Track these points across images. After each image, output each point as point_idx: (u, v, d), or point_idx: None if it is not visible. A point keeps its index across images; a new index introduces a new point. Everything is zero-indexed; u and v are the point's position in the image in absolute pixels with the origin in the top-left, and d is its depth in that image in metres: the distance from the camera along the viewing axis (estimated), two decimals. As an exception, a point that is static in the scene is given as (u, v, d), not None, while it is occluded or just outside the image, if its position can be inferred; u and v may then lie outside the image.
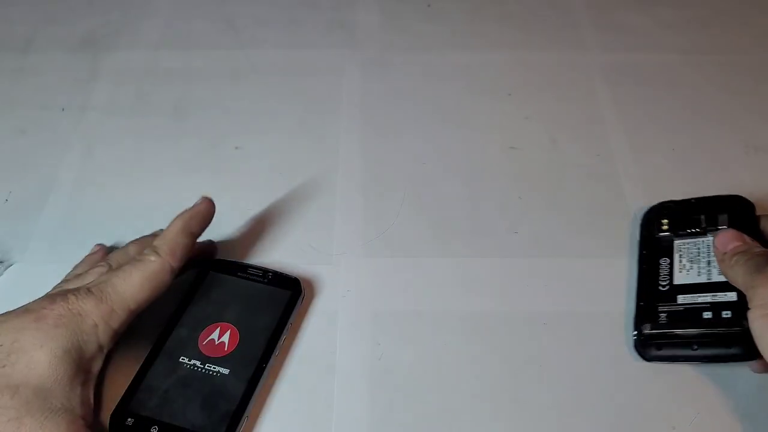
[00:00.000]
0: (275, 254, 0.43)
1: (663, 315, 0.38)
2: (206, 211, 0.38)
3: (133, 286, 0.33)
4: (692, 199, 0.42)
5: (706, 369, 0.38)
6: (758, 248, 0.36)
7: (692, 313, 0.37)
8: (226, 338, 0.36)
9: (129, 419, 0.33)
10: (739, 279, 0.35)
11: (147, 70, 0.55)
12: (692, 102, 0.52)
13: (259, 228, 0.44)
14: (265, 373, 0.36)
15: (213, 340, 0.36)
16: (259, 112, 0.52)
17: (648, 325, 0.38)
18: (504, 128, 0.51)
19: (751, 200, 0.45)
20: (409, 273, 0.42)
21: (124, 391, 0.34)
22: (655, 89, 0.53)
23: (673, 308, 0.38)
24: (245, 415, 0.34)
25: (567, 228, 0.45)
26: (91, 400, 0.32)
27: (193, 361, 0.35)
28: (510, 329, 0.40)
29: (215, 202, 0.38)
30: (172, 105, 0.52)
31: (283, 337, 0.37)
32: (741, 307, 0.35)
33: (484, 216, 0.45)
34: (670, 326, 0.37)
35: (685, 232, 0.41)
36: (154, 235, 0.40)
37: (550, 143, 0.50)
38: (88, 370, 0.31)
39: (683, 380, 0.37)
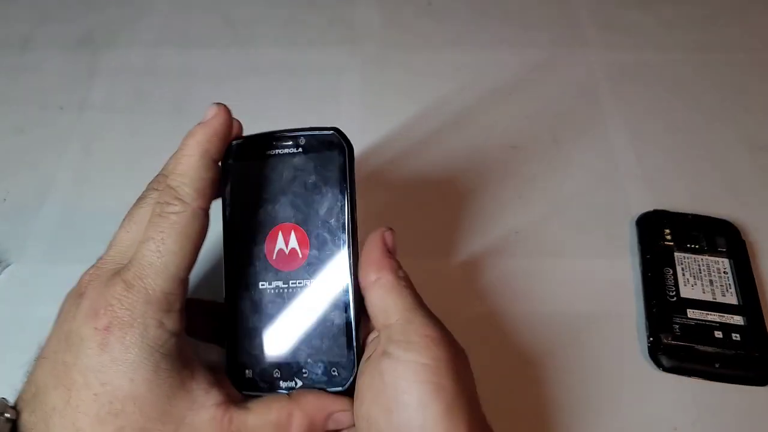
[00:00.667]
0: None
1: (677, 326, 0.38)
2: (223, 127, 0.30)
3: (172, 254, 0.27)
4: (689, 214, 0.44)
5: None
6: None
7: (704, 330, 0.38)
8: (294, 243, 0.30)
9: (246, 371, 0.29)
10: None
11: (145, 68, 0.55)
12: (695, 101, 0.52)
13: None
14: (356, 270, 0.29)
15: (282, 250, 0.30)
16: (259, 110, 0.51)
17: (665, 335, 0.38)
18: (505, 127, 0.50)
19: (755, 200, 0.45)
20: (410, 273, 0.42)
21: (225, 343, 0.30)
22: (657, 88, 0.53)
23: (685, 321, 0.38)
24: (360, 324, 0.29)
25: (568, 228, 0.44)
26: (211, 378, 0.28)
27: (274, 284, 0.30)
28: (510, 329, 0.39)
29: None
30: (170, 103, 0.52)
31: (353, 214, 0.30)
32: (749, 331, 0.38)
33: (484, 216, 0.45)
34: (687, 340, 0.38)
35: (686, 247, 0.42)
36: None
37: (552, 142, 0.49)
38: (186, 362, 0.27)
39: (685, 381, 0.37)
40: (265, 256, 0.30)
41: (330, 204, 0.30)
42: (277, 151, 0.30)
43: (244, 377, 0.29)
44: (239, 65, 0.55)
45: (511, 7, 0.60)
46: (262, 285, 0.30)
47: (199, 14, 0.59)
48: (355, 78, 0.54)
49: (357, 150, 0.49)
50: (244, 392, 0.29)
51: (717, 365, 0.37)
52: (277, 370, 0.29)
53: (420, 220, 0.45)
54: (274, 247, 0.30)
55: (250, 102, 0.52)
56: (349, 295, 0.29)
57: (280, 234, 0.30)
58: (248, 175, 0.31)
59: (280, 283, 0.30)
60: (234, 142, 0.31)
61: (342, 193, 0.30)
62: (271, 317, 0.29)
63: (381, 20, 0.58)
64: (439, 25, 0.58)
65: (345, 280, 0.29)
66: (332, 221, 0.29)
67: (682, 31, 0.57)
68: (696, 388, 0.37)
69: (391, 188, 0.46)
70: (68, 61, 0.55)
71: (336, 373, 0.29)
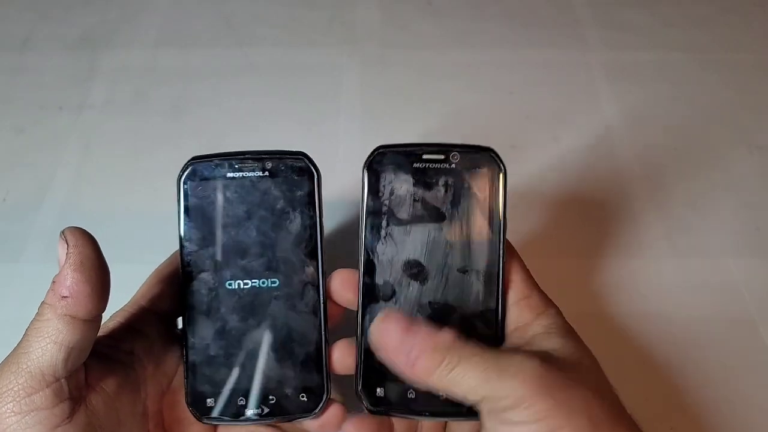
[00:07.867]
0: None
1: None
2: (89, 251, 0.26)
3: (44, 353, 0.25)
4: None
5: (709, 373, 0.37)
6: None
7: None
8: (261, 268, 0.30)
9: (208, 399, 0.29)
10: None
11: (145, 68, 0.55)
12: (695, 100, 0.52)
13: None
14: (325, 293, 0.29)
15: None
16: (258, 110, 0.52)
17: None
18: (505, 127, 0.50)
19: (754, 199, 0.45)
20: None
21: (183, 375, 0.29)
22: (657, 88, 0.53)
23: None
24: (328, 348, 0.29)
25: (569, 228, 0.44)
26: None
27: (239, 313, 0.29)
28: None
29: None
30: (170, 104, 0.52)
31: (322, 240, 0.29)
32: None
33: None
34: None
35: None
36: None
37: (552, 142, 0.49)
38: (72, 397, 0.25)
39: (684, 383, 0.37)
40: (227, 284, 0.29)
41: (298, 230, 0.29)
42: (240, 174, 0.29)
43: (205, 405, 0.28)
44: (239, 65, 0.55)
45: (511, 6, 0.60)
46: (223, 311, 0.29)
47: (199, 14, 0.59)
48: (355, 78, 0.54)
49: (359, 150, 0.49)
50: (206, 421, 0.28)
51: None
52: (242, 397, 0.28)
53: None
54: (239, 273, 0.29)
55: (249, 102, 0.52)
56: (320, 317, 0.29)
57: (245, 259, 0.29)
58: (208, 197, 0.29)
59: (245, 314, 0.29)
60: (192, 162, 0.29)
61: (312, 218, 0.29)
62: (234, 342, 0.29)
63: (381, 20, 0.58)
64: (439, 25, 0.58)
65: (315, 303, 0.29)
66: (301, 248, 0.29)
67: (682, 30, 0.57)
68: (695, 389, 0.37)
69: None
70: (68, 61, 0.55)
71: (305, 399, 0.28)
